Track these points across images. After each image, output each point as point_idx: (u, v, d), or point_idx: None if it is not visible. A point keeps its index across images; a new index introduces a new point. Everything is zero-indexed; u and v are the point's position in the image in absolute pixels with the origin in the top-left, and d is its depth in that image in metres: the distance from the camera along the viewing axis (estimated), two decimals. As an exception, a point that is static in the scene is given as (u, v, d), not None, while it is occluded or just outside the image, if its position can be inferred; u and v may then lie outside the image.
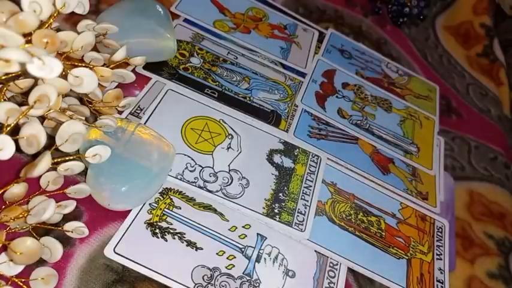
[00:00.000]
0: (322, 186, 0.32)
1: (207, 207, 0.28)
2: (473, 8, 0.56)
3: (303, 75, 0.40)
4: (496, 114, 0.48)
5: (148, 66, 0.33)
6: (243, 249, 0.27)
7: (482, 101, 0.49)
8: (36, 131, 0.21)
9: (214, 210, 0.28)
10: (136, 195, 0.26)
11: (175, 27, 0.37)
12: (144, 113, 0.31)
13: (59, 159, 0.23)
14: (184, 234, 0.27)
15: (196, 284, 0.25)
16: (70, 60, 0.25)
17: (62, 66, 0.19)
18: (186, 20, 0.38)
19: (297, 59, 0.40)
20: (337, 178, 0.34)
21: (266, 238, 0.28)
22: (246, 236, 0.28)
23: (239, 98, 0.35)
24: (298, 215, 0.30)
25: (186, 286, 0.25)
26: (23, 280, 0.22)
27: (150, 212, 0.27)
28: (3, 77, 0.22)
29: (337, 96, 0.40)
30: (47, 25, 0.23)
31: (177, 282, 0.25)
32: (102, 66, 0.26)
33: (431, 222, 0.34)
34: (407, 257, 0.31)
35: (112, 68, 0.26)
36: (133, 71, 0.31)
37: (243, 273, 0.27)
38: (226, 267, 0.26)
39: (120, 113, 0.30)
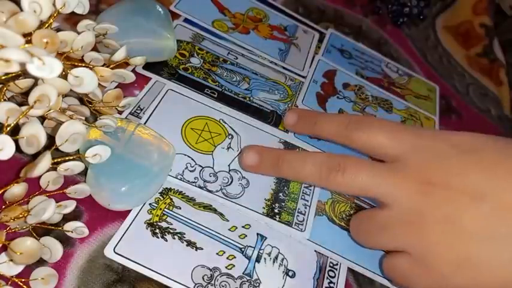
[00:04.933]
0: (322, 186, 0.32)
1: (207, 207, 0.28)
2: (473, 8, 0.56)
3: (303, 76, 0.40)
4: (496, 114, 0.48)
5: (148, 66, 0.33)
6: (243, 249, 0.27)
7: (482, 101, 0.49)
8: (36, 131, 0.21)
9: (214, 210, 0.28)
10: (136, 195, 0.26)
11: (175, 27, 0.37)
12: (144, 113, 0.31)
13: (59, 159, 0.23)
14: (184, 234, 0.27)
15: (196, 284, 0.25)
16: (70, 60, 0.25)
17: (62, 66, 0.19)
18: (186, 20, 0.38)
19: (295, 61, 0.40)
20: (337, 178, 0.34)
21: (266, 238, 0.28)
22: (246, 236, 0.28)
23: (239, 98, 0.35)
24: (298, 215, 0.30)
25: (186, 286, 0.25)
26: (23, 280, 0.22)
27: (150, 212, 0.27)
28: (3, 77, 0.22)
29: (338, 97, 0.40)
30: (47, 25, 0.23)
31: (177, 282, 0.25)
32: (102, 66, 0.26)
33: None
34: (407, 257, 0.31)
35: (112, 68, 0.26)
36: (133, 71, 0.31)
37: (243, 273, 0.27)
38: (226, 267, 0.26)
39: (120, 113, 0.30)
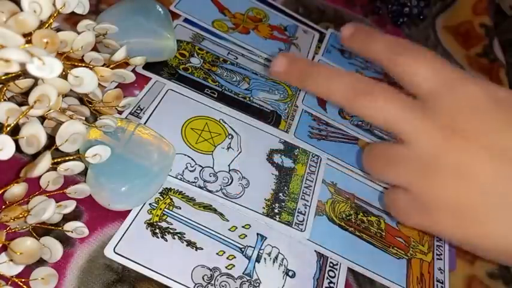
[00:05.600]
0: (322, 186, 0.32)
1: (207, 207, 0.28)
2: (473, 8, 0.56)
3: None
4: (496, 114, 0.48)
5: (148, 66, 0.33)
6: (243, 249, 0.27)
7: (482, 101, 0.49)
8: (36, 131, 0.21)
9: (214, 210, 0.28)
10: (136, 195, 0.26)
11: (175, 27, 0.37)
12: (144, 113, 0.31)
13: (59, 159, 0.23)
14: (184, 234, 0.27)
15: (196, 284, 0.25)
16: (70, 60, 0.25)
17: (62, 66, 0.19)
18: (186, 20, 0.38)
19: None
20: (337, 178, 0.34)
21: (266, 238, 0.28)
22: (246, 236, 0.28)
23: (239, 98, 0.35)
24: (298, 215, 0.30)
25: (186, 286, 0.25)
26: (23, 280, 0.22)
27: (150, 212, 0.27)
28: (3, 77, 0.22)
29: (337, 96, 0.40)
30: (47, 25, 0.23)
31: (177, 282, 0.25)
32: (102, 66, 0.26)
33: (432, 222, 0.34)
34: (407, 257, 0.31)
35: (112, 68, 0.26)
36: (133, 71, 0.31)
37: (243, 273, 0.27)
38: (226, 267, 0.26)
39: (120, 113, 0.30)
